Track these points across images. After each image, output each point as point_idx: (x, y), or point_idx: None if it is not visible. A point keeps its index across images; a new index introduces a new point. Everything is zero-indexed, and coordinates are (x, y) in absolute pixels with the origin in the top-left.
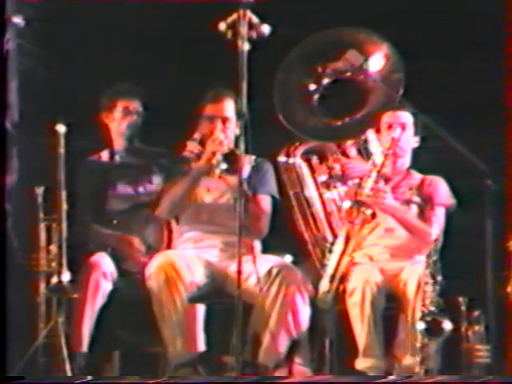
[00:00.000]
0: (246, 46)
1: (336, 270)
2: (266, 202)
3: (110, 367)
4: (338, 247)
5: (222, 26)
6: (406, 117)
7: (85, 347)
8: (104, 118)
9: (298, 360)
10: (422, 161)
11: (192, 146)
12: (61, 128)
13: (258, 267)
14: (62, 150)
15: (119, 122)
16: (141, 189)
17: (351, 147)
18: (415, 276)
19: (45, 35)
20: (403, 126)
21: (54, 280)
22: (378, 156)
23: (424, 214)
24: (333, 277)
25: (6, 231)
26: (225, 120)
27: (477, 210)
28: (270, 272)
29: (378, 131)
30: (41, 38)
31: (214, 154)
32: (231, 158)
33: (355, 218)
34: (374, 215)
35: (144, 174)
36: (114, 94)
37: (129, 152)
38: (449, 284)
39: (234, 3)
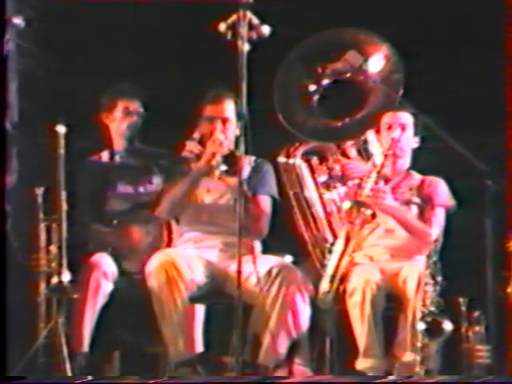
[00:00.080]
0: (246, 47)
1: (336, 270)
2: (265, 203)
3: (110, 367)
4: (338, 247)
5: (222, 26)
6: (406, 117)
7: (85, 347)
8: (104, 119)
9: (298, 360)
10: (422, 161)
11: (192, 146)
12: (61, 128)
13: (258, 267)
14: (61, 151)
15: (119, 122)
16: (141, 189)
17: (351, 148)
18: (415, 276)
19: (45, 35)
20: (403, 127)
21: (54, 280)
22: (377, 156)
23: (424, 214)
24: (333, 277)
25: (6, 232)
26: (225, 121)
27: (477, 210)
28: (270, 272)
29: (377, 132)
30: (41, 38)
31: (213, 155)
32: (231, 160)
33: (355, 219)
34: (373, 215)
35: (144, 174)
36: (114, 94)
37: (129, 152)
38: (449, 284)
39: (233, 3)
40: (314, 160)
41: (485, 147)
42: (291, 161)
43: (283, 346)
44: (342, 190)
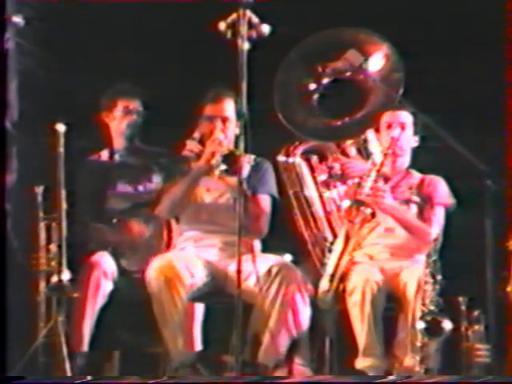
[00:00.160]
0: (246, 46)
1: (336, 269)
2: (265, 202)
3: (110, 367)
4: (338, 246)
5: (222, 25)
6: (406, 116)
7: (85, 347)
8: (104, 118)
9: (297, 360)
10: (422, 160)
11: (191, 145)
12: (60, 127)
13: (258, 267)
14: (61, 150)
15: (119, 121)
16: (141, 188)
17: (351, 147)
18: (415, 275)
19: (45, 35)
20: (403, 126)
21: (54, 279)
22: (377, 155)
23: (423, 213)
24: (333, 276)
25: (6, 231)
26: (225, 120)
27: (477, 210)
28: (269, 271)
29: (377, 131)
30: (41, 37)
31: (213, 154)
32: (231, 159)
33: (355, 218)
34: (373, 214)
35: (144, 173)
36: (114, 93)
37: (129, 151)
38: (449, 284)
39: (233, 3)
40: (314, 159)
41: (485, 147)
42: (291, 160)
43: (283, 346)
44: (341, 188)
